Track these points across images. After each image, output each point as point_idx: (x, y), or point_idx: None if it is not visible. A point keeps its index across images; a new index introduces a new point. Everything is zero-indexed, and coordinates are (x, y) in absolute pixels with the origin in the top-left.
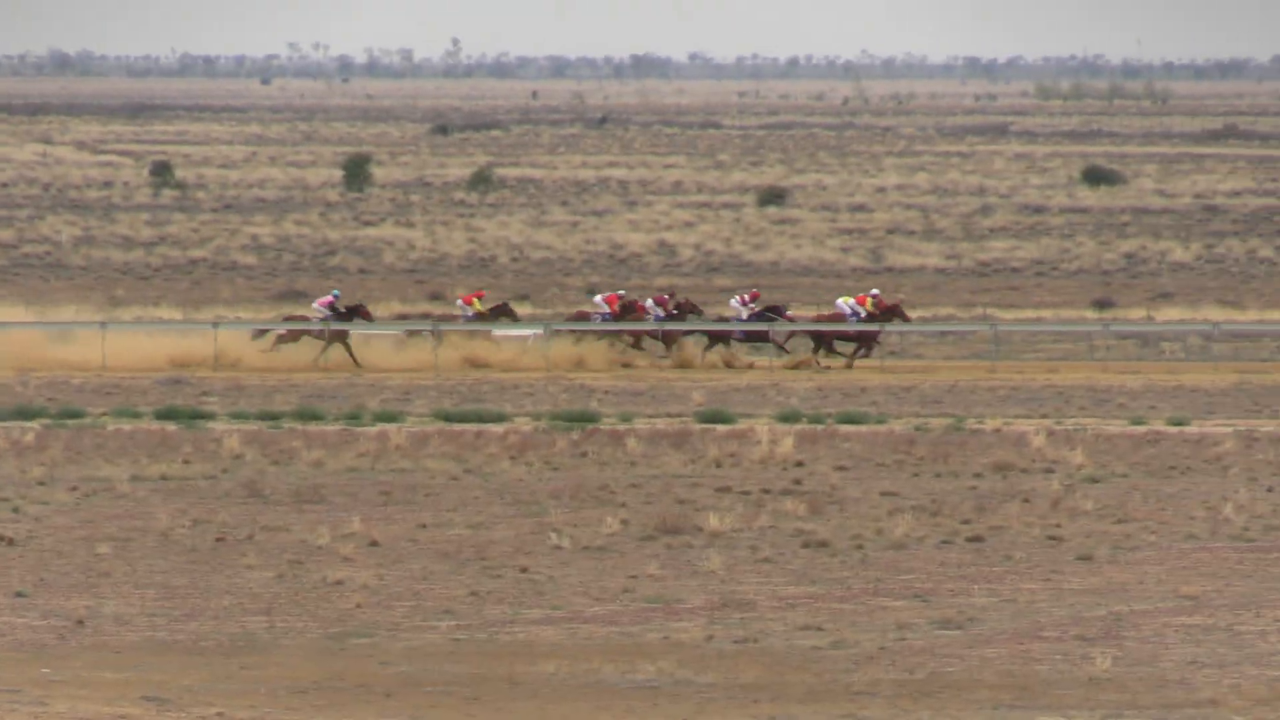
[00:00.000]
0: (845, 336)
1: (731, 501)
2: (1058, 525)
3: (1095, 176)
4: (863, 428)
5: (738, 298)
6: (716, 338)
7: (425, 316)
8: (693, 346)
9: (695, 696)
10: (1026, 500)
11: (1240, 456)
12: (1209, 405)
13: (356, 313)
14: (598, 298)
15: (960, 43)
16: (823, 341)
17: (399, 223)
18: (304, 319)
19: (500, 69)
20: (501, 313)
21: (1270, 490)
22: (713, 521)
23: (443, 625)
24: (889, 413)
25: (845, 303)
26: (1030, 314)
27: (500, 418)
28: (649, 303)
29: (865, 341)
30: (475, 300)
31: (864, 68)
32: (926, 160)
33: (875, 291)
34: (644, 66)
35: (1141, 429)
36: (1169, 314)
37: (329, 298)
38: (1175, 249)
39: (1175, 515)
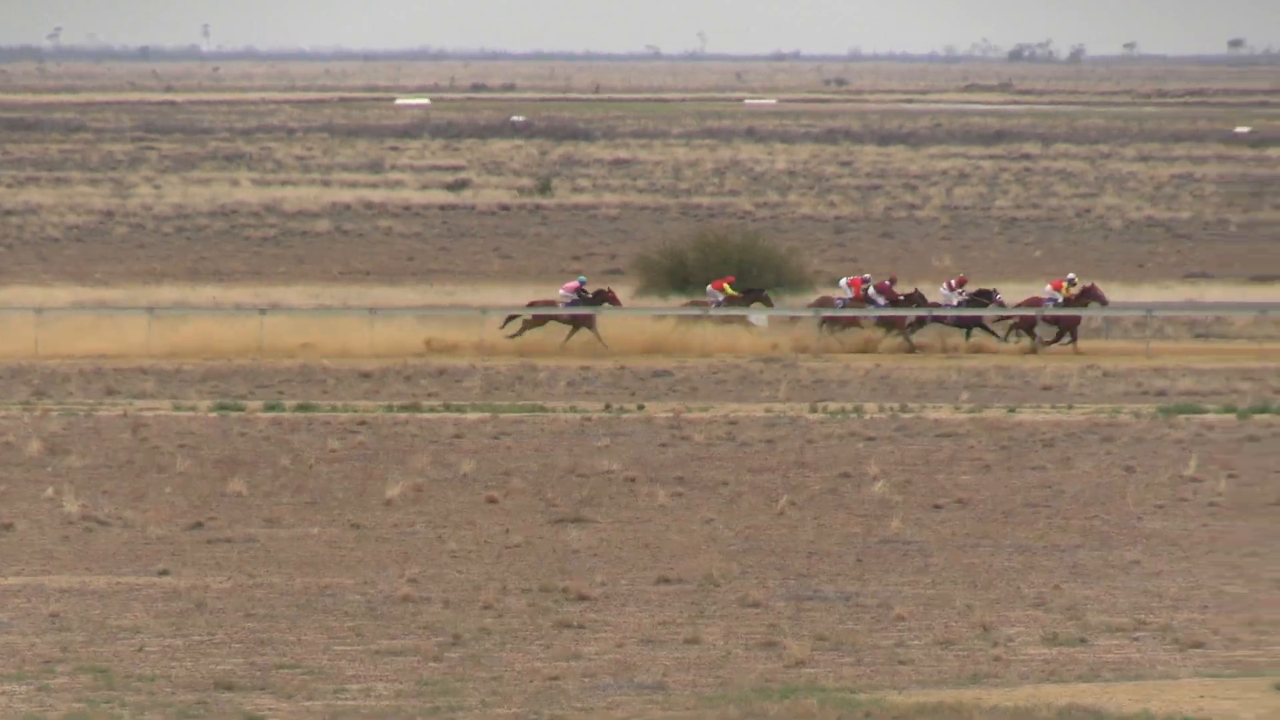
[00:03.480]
0: (1050, 321)
1: None
2: None
3: None
4: None
5: (946, 283)
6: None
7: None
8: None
9: None
10: None
11: None
12: None
13: (604, 298)
14: (842, 281)
15: None
16: (1027, 327)
17: None
18: (551, 304)
19: None
20: (755, 297)
21: None
22: None
23: None
24: None
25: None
26: None
27: None
28: (871, 290)
29: (1067, 327)
30: (726, 285)
31: None
32: None
33: (1071, 276)
34: None
35: None
36: None
37: (575, 283)
38: None
39: None
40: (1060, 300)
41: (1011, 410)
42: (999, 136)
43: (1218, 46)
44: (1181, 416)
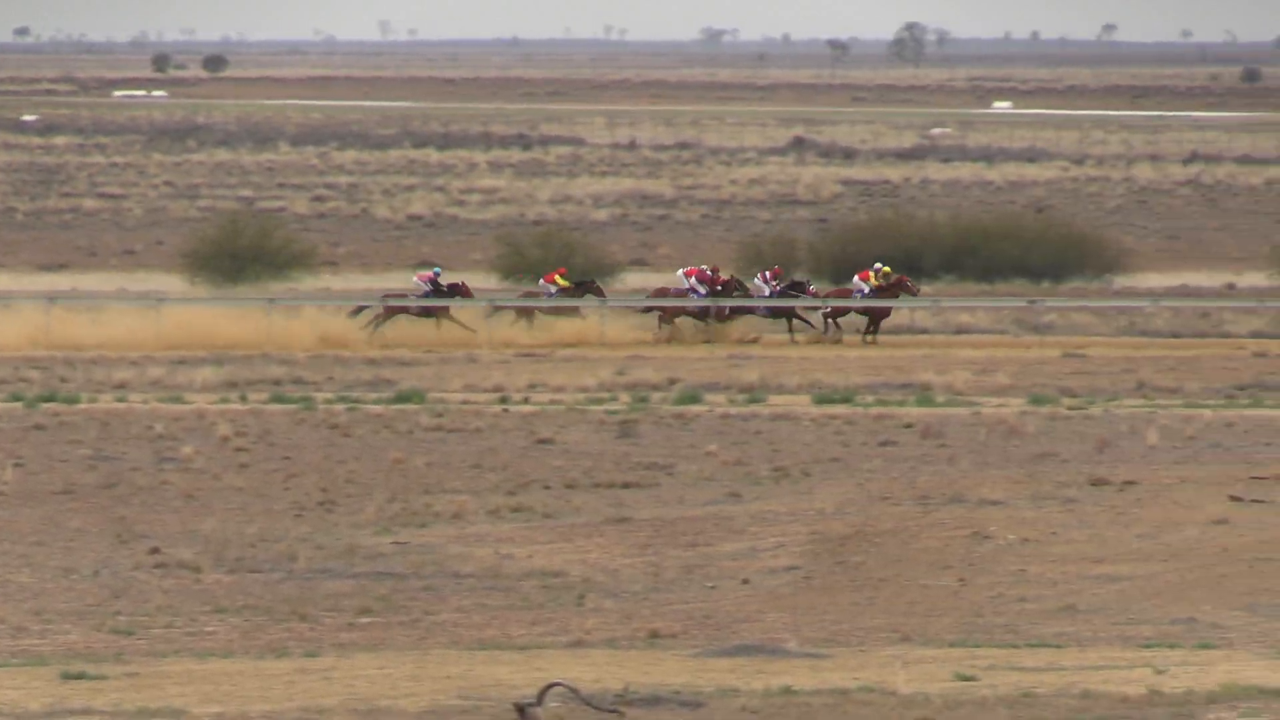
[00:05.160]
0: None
1: None
2: None
3: None
4: None
5: (760, 274)
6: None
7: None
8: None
9: None
10: None
11: None
12: None
13: (457, 290)
14: (679, 272)
15: None
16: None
17: None
18: (402, 295)
19: None
20: (586, 289)
21: None
22: None
23: None
24: None
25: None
26: None
27: None
28: (693, 279)
29: (874, 316)
30: (558, 277)
31: None
32: None
33: (878, 265)
34: None
35: None
36: None
37: (430, 273)
38: None
39: None
40: (868, 291)
41: None
42: None
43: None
44: None
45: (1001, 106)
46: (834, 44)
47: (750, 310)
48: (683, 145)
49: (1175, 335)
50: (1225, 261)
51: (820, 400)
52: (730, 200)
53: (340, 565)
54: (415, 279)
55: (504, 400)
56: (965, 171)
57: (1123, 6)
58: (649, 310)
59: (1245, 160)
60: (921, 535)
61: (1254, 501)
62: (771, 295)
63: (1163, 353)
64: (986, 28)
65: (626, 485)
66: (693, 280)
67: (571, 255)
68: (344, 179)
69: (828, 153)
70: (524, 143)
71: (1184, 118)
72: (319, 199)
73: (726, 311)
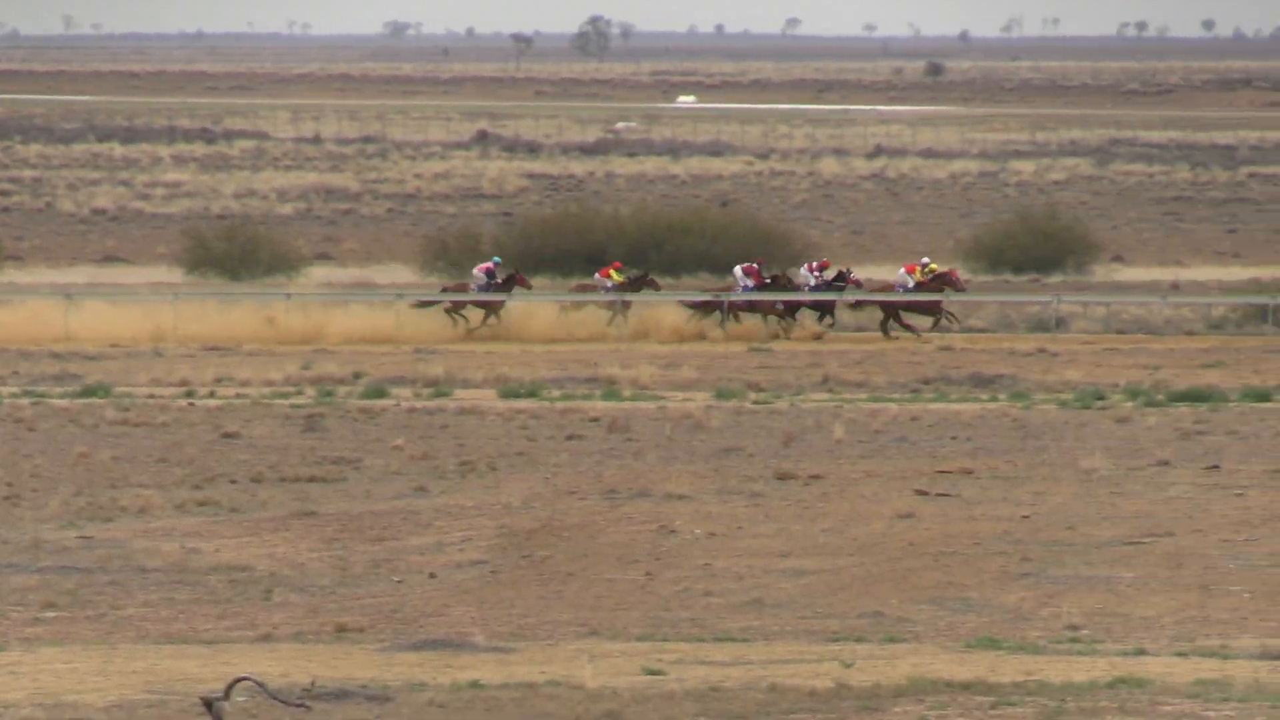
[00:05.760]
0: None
1: None
2: None
3: None
4: None
5: (805, 266)
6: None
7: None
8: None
9: None
10: None
11: None
12: None
13: (514, 281)
14: (737, 269)
15: None
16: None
17: None
18: (463, 288)
19: None
20: (642, 283)
21: None
22: None
23: None
24: None
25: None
26: None
27: None
28: (738, 273)
29: (930, 311)
30: (613, 272)
31: None
32: None
33: (925, 260)
34: None
35: None
36: None
37: (489, 264)
38: None
39: None
40: (912, 285)
41: None
42: None
43: None
44: None
45: (686, 101)
46: (518, 38)
47: (798, 304)
48: (367, 139)
49: (860, 330)
50: (909, 255)
51: (506, 394)
52: (415, 194)
53: (25, 560)
54: (475, 271)
55: (190, 394)
56: (650, 165)
57: (806, 0)
58: (695, 305)
59: (928, 154)
60: (608, 529)
61: (939, 495)
62: (816, 288)
63: (848, 347)
64: (671, 21)
65: (313, 479)
66: (738, 274)
67: (257, 249)
68: (28, 173)
69: (512, 147)
70: (208, 137)
71: (868, 112)
72: (3, 193)
73: (779, 306)
